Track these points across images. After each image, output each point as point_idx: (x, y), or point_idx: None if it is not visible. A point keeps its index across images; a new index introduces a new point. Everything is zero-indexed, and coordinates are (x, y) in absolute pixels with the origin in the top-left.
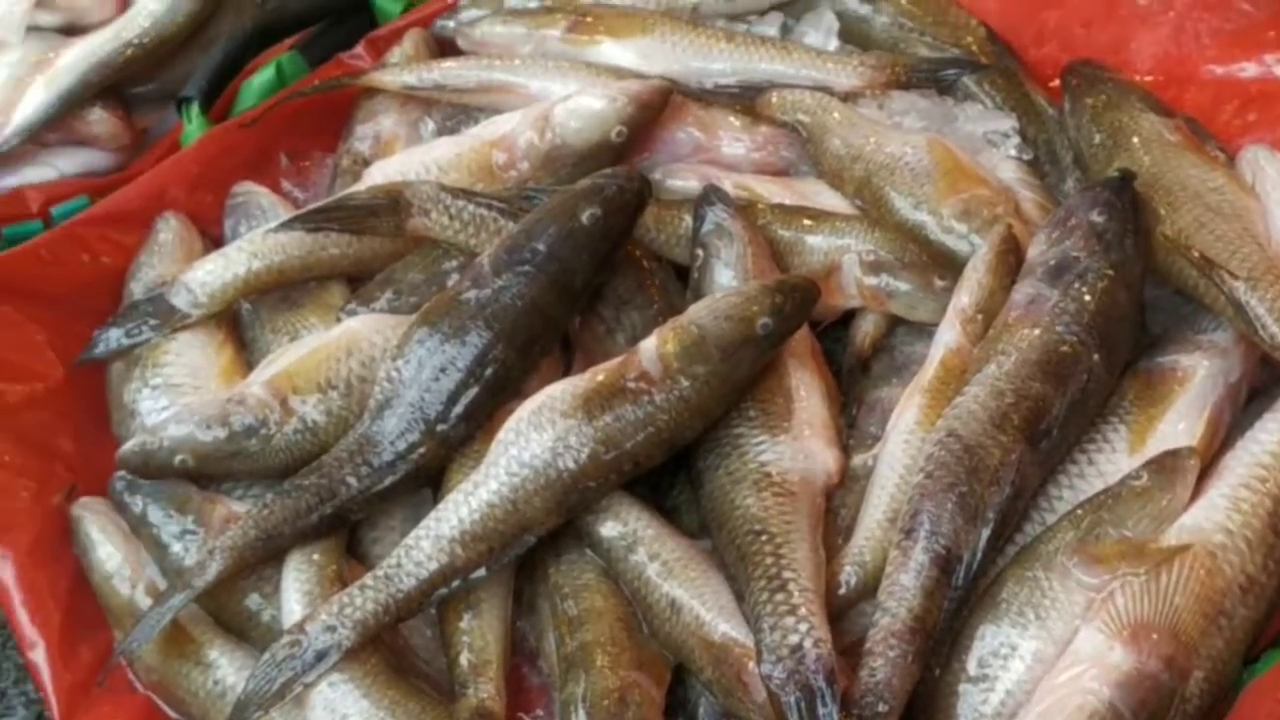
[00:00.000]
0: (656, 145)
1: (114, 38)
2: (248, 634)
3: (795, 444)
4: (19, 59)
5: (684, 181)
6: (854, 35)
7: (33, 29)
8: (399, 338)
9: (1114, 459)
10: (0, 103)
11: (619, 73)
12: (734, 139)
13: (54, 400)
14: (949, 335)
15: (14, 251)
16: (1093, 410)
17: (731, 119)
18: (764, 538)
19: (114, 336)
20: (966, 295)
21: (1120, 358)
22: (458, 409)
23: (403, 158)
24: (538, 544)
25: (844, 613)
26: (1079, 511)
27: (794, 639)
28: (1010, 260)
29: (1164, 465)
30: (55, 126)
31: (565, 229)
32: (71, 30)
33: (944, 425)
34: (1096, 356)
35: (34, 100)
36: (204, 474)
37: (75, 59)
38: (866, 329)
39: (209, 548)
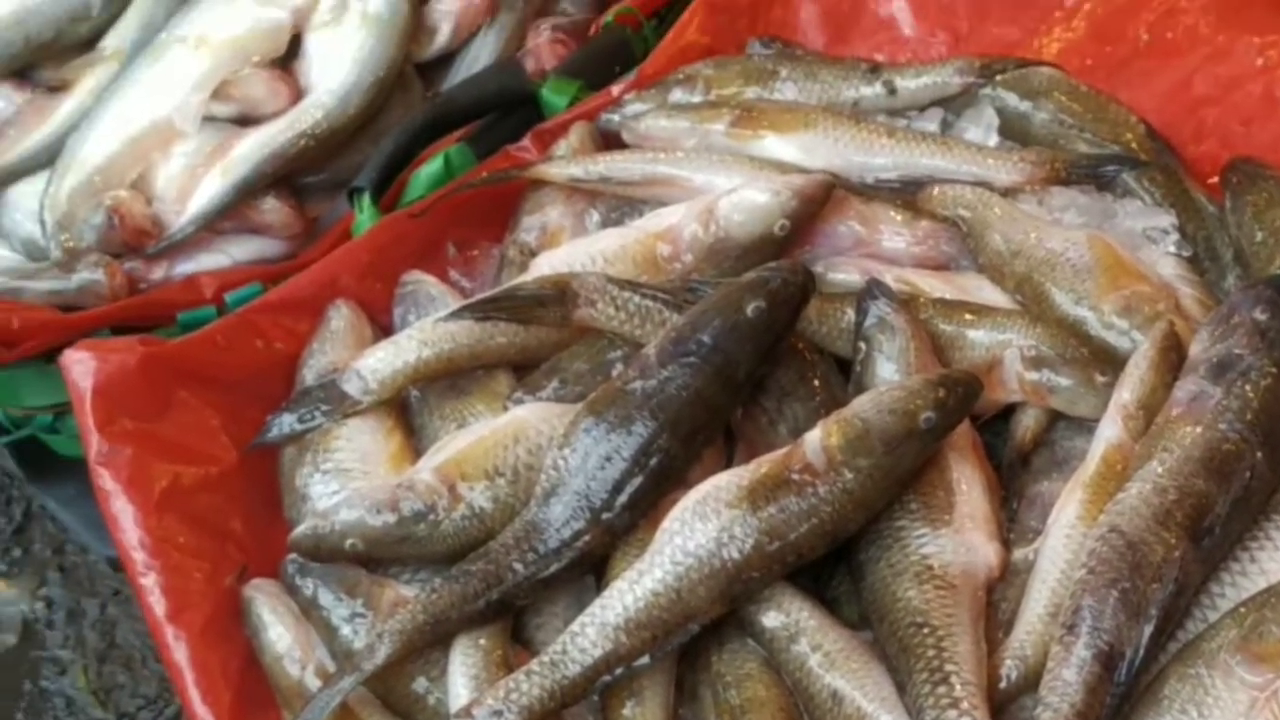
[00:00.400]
0: (818, 238)
1: (288, 129)
2: (414, 717)
3: (957, 537)
4: (195, 149)
5: (845, 275)
6: (1014, 131)
7: (208, 119)
8: (565, 426)
9: (1277, 557)
10: (176, 191)
11: (782, 167)
12: (895, 233)
13: (227, 483)
14: (1110, 431)
15: (191, 338)
16: (1255, 508)
17: (892, 213)
18: (926, 630)
19: (287, 421)
20: (1128, 391)
21: None
22: (622, 498)
23: (569, 249)
24: (700, 632)
25: (1005, 707)
26: (1242, 609)
27: None
28: (1172, 357)
29: None
30: (229, 215)
31: (730, 321)
32: (246, 121)
33: (1106, 521)
34: (1260, 454)
35: (210, 189)
36: (373, 558)
37: (250, 149)
38: (1027, 423)
39: (378, 631)
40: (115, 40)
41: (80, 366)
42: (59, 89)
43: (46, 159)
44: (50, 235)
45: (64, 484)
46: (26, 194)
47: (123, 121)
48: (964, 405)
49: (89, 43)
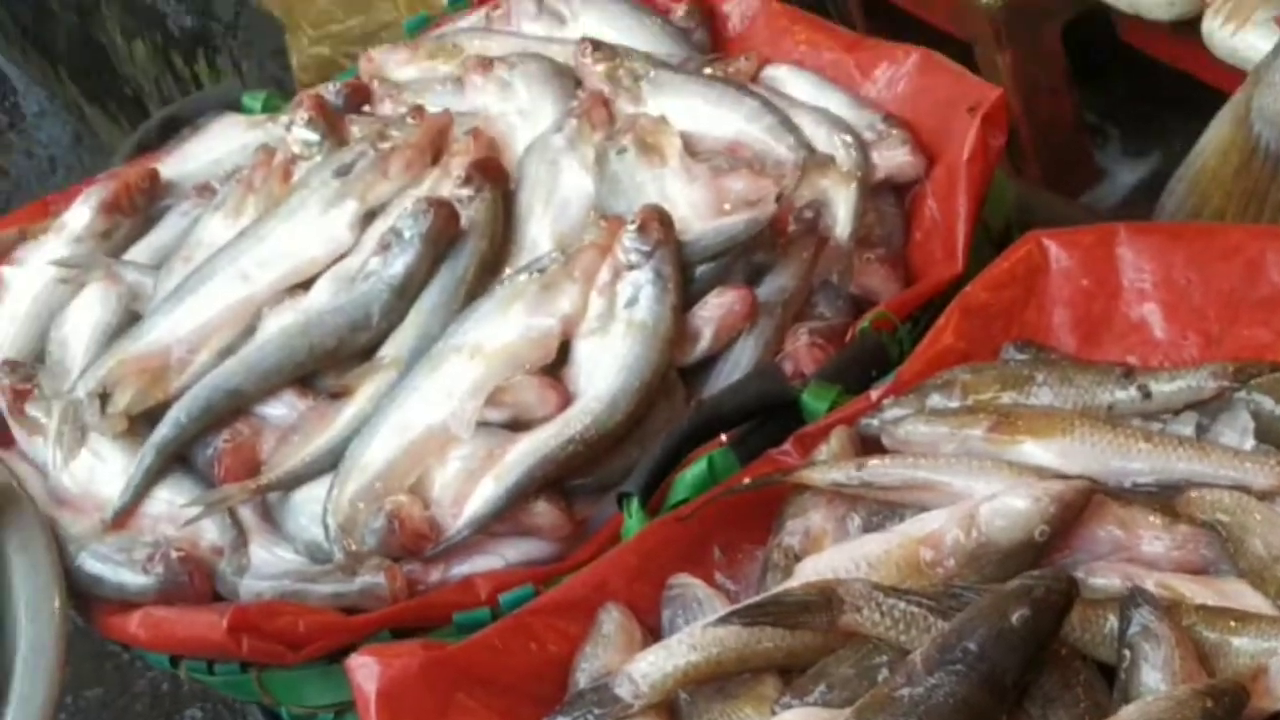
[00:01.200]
0: (1077, 543)
1: (557, 434)
2: None
3: None
4: (470, 453)
5: (1105, 580)
6: (1270, 434)
7: (482, 424)
8: None
9: None
10: (453, 495)
11: (1040, 472)
12: (1154, 538)
13: None
14: None
15: (469, 641)
16: None
17: (1151, 518)
18: None
19: None
20: None
21: None
22: None
23: (832, 554)
24: None
25: None
26: None
27: None
28: None
29: None
30: (502, 518)
31: (996, 629)
32: (517, 425)
33: None
34: None
35: (484, 494)
36: None
37: (522, 455)
38: None
39: None
40: (393, 349)
41: (365, 670)
42: (340, 395)
43: (329, 464)
44: (333, 539)
45: None
46: (310, 499)
47: (402, 428)
48: (1231, 715)
49: (368, 351)
